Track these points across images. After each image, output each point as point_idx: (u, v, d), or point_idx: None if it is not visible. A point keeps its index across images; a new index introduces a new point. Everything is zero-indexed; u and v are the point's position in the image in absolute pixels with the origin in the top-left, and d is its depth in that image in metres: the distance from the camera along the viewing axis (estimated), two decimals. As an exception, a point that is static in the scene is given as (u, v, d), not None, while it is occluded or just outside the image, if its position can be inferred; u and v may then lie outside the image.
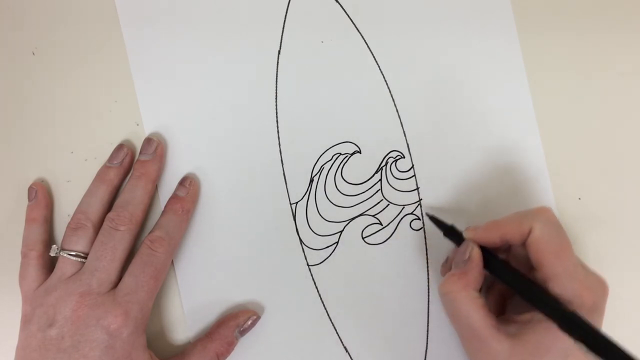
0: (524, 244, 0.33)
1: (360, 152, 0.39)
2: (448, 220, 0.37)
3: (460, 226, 0.36)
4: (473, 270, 0.33)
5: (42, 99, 0.40)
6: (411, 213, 0.39)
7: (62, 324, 0.33)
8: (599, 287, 0.32)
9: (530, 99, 0.39)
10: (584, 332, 0.29)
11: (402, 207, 0.39)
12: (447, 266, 0.37)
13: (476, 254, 0.33)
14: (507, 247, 0.35)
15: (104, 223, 0.36)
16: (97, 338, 0.33)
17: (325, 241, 0.39)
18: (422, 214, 0.39)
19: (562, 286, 0.31)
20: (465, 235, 0.35)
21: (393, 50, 0.39)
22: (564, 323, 0.30)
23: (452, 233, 0.36)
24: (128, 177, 0.38)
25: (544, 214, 0.33)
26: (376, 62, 0.39)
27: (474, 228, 0.35)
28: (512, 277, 0.33)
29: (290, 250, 0.39)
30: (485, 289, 0.37)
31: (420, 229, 0.39)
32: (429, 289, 0.39)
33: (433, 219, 0.37)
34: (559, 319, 0.30)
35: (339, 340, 0.38)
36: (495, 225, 0.34)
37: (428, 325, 0.38)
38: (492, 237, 0.34)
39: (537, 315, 0.31)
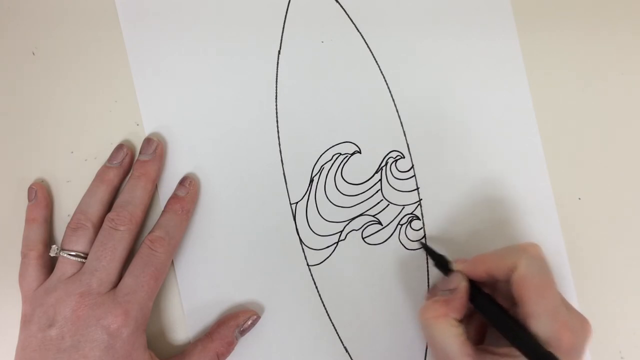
0: (508, 279, 0.33)
1: (360, 152, 0.39)
2: (447, 221, 0.37)
3: (459, 229, 0.36)
4: (457, 300, 0.33)
5: (42, 99, 0.40)
6: (411, 213, 0.39)
7: (62, 324, 0.33)
8: (581, 329, 0.32)
9: (530, 99, 0.39)
10: None
11: (402, 207, 0.39)
12: (432, 293, 0.37)
13: (464, 286, 0.34)
14: (494, 282, 0.35)
15: (104, 223, 0.36)
16: (98, 338, 0.33)
17: (325, 241, 0.39)
18: (422, 214, 0.39)
19: (542, 325, 0.31)
20: (454, 267, 0.35)
21: (393, 50, 0.39)
22: None
23: (441, 263, 0.36)
24: (128, 177, 0.38)
25: (530, 250, 0.33)
26: (376, 62, 0.39)
27: (462, 260, 0.35)
28: (494, 313, 0.33)
29: (290, 250, 0.39)
30: (467, 317, 0.37)
31: (420, 229, 0.39)
32: (429, 288, 0.39)
33: (426, 248, 0.38)
34: (535, 359, 0.30)
35: (339, 340, 0.38)
36: (481, 260, 0.34)
37: (428, 325, 0.38)
38: (479, 272, 0.34)
39: (515, 352, 0.31)
